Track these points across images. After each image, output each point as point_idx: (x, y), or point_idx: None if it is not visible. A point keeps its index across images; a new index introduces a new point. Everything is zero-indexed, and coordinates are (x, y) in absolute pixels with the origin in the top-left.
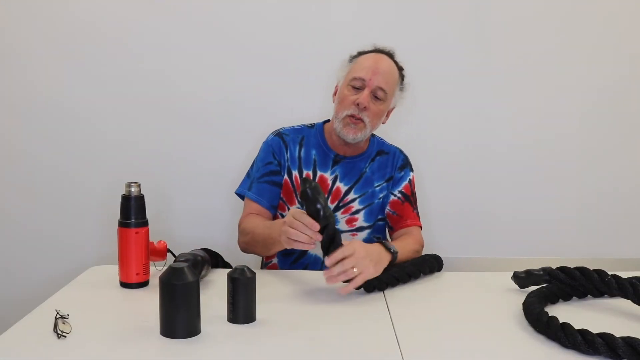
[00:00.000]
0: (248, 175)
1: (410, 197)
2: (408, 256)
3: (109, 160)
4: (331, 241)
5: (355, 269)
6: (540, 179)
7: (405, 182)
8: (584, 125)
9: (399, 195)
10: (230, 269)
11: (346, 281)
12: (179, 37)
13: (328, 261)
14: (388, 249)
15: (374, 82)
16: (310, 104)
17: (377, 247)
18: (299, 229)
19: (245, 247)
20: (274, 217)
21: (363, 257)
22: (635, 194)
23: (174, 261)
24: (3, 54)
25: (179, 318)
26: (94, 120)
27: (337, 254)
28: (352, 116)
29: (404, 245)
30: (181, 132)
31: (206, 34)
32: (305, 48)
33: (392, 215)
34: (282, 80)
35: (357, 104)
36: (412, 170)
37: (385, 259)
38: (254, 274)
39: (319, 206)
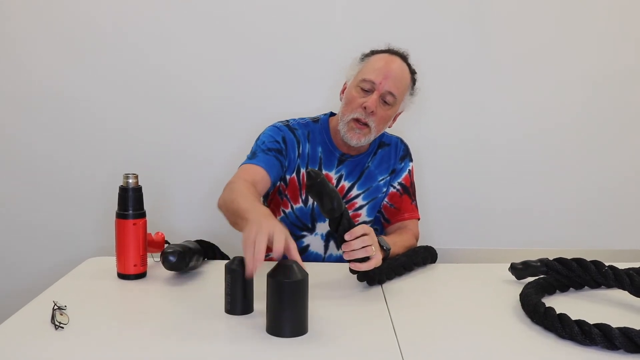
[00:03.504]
0: (254, 150)
1: (409, 189)
2: (401, 251)
3: (107, 152)
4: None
5: (373, 247)
6: (538, 171)
7: (405, 173)
8: (582, 119)
9: (398, 187)
10: (227, 260)
11: (356, 261)
12: (180, 31)
13: (348, 235)
14: (381, 246)
15: (384, 86)
16: (310, 98)
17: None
18: (256, 247)
19: (220, 205)
20: (272, 196)
21: (375, 241)
22: (633, 186)
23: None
24: (3, 45)
25: (285, 316)
26: (92, 112)
27: (357, 230)
28: (357, 120)
29: (396, 241)
30: (179, 124)
31: (207, 28)
32: (304, 42)
33: (390, 207)
34: (281, 74)
35: (365, 108)
36: (411, 160)
37: (381, 253)
38: None
39: (335, 204)
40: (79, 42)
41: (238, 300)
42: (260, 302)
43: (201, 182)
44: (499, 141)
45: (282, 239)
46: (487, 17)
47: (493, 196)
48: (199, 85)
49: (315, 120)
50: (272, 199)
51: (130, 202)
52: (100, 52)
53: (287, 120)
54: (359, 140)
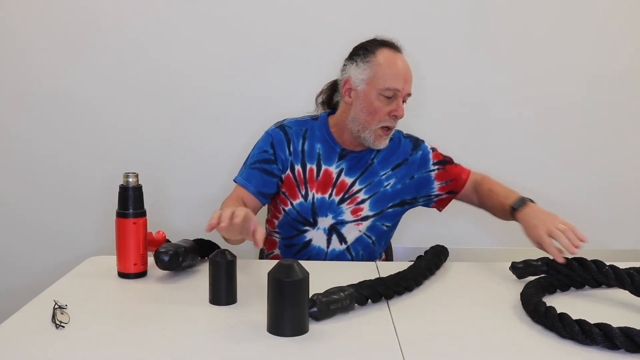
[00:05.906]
0: (245, 163)
1: (445, 160)
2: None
3: (107, 151)
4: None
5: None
6: (539, 171)
7: (430, 154)
8: (582, 118)
9: (437, 167)
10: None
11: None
12: (179, 27)
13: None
14: (530, 200)
15: (406, 91)
16: (310, 94)
17: (531, 206)
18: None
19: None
20: (268, 208)
21: (552, 216)
22: (634, 185)
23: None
24: (3, 43)
25: (286, 315)
26: (93, 111)
27: (545, 238)
28: (387, 128)
29: (500, 190)
30: (180, 123)
31: (206, 23)
32: (305, 38)
33: (448, 184)
34: (282, 70)
35: (395, 117)
36: (423, 141)
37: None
38: (234, 257)
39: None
40: (79, 40)
41: (222, 290)
42: (260, 301)
43: (202, 180)
44: (499, 140)
45: (244, 211)
46: (487, 16)
47: None
48: (201, 83)
49: (315, 118)
50: (276, 198)
51: (131, 201)
52: (101, 50)
53: (283, 120)
54: (386, 142)
